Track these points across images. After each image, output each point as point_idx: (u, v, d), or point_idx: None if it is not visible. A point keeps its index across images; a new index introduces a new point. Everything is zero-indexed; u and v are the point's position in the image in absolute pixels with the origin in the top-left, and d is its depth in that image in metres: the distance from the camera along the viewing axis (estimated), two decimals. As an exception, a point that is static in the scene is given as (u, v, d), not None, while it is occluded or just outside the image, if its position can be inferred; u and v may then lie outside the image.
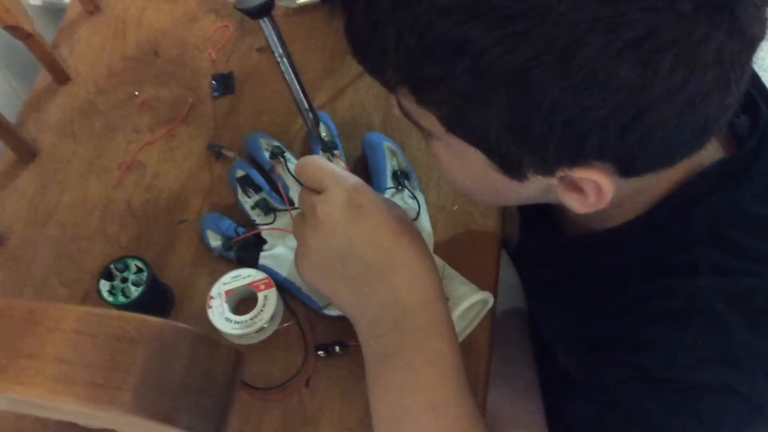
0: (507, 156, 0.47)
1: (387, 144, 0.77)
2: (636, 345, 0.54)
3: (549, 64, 0.40)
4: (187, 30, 0.92)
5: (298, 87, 0.75)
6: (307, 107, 0.76)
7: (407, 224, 0.59)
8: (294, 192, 0.76)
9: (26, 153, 0.84)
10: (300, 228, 0.60)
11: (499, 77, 0.41)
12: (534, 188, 0.51)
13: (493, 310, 0.70)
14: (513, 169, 0.48)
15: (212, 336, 0.53)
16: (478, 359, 0.69)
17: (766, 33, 0.44)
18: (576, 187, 0.49)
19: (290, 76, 0.74)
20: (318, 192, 0.59)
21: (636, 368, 0.52)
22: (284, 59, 0.72)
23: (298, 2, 0.88)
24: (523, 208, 0.77)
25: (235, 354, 0.43)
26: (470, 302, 0.68)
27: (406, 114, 0.52)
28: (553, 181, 0.49)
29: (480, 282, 0.71)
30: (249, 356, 0.69)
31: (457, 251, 0.73)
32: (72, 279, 0.77)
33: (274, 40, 0.71)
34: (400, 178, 0.75)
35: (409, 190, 0.75)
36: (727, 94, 0.43)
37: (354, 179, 0.59)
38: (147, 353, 0.39)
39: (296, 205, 0.75)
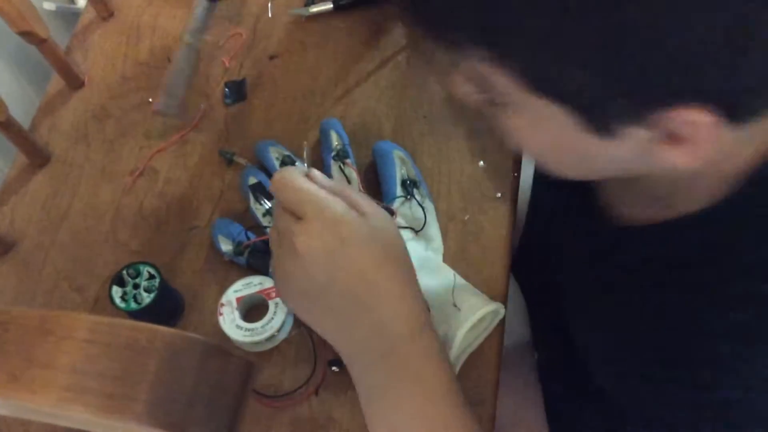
0: (596, 106, 0.43)
1: (397, 152, 0.77)
2: (707, 365, 0.50)
3: None
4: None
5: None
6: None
7: (392, 252, 0.56)
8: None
9: (39, 157, 0.85)
10: (277, 249, 0.56)
11: (591, 13, 0.37)
12: (626, 149, 0.46)
13: (503, 321, 0.70)
14: (603, 122, 0.44)
15: (223, 344, 0.53)
16: (488, 369, 0.69)
17: None
18: (675, 138, 0.43)
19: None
20: (297, 216, 0.54)
21: (705, 396, 0.50)
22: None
23: (310, 10, 0.89)
24: (564, 197, 0.72)
25: (246, 365, 0.43)
26: (482, 313, 0.68)
27: (468, 94, 0.48)
28: (647, 134, 0.44)
29: (490, 292, 0.71)
30: (259, 363, 0.70)
31: (468, 261, 0.73)
32: (83, 284, 0.78)
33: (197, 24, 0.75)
34: (410, 186, 0.75)
35: (417, 199, 0.75)
36: None
37: (334, 208, 0.54)
38: (159, 363, 0.39)
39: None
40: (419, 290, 0.57)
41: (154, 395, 0.39)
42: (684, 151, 0.43)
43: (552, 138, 0.48)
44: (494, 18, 0.40)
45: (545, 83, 0.43)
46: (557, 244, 0.76)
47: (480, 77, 0.46)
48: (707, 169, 0.49)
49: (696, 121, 0.41)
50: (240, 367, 0.42)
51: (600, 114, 0.43)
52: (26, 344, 0.40)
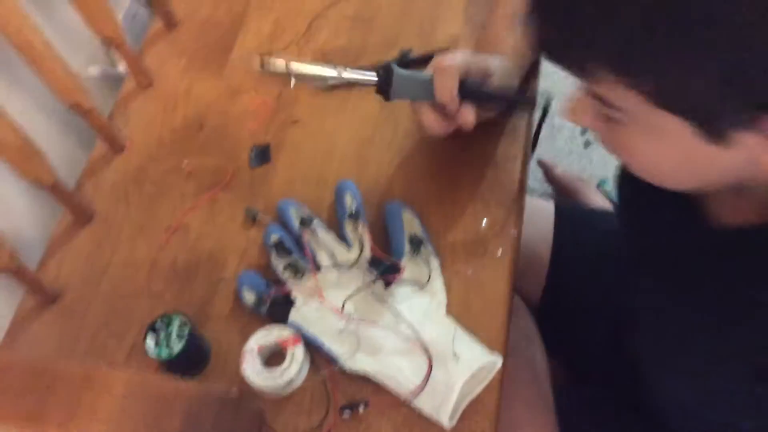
0: (714, 114, 0.48)
1: (405, 212, 0.84)
2: None
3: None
4: (230, 104, 1.01)
5: None
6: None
7: None
8: (320, 256, 0.84)
9: (83, 216, 0.94)
10: None
11: (717, 35, 0.43)
12: (735, 157, 0.51)
13: (501, 371, 0.76)
14: (717, 129, 0.49)
15: (240, 394, 0.61)
16: (486, 416, 0.74)
17: None
18: None
19: None
20: None
21: None
22: None
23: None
24: (658, 200, 0.73)
25: (257, 414, 0.50)
26: (480, 363, 0.74)
27: (587, 119, 0.55)
28: (759, 139, 0.49)
29: (490, 343, 0.76)
30: (278, 406, 0.77)
31: (469, 314, 0.79)
32: (120, 331, 0.85)
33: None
34: (416, 244, 0.82)
35: (423, 256, 0.81)
36: None
37: None
38: (182, 414, 0.46)
39: (324, 267, 0.82)
40: None
41: (178, 441, 0.47)
42: None
43: (670, 149, 0.53)
44: (636, 50, 0.46)
45: (669, 99, 0.49)
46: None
47: (606, 100, 0.52)
48: None
49: None
50: (251, 415, 0.49)
51: (716, 121, 0.49)
52: (72, 397, 0.47)
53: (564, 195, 1.68)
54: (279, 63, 0.77)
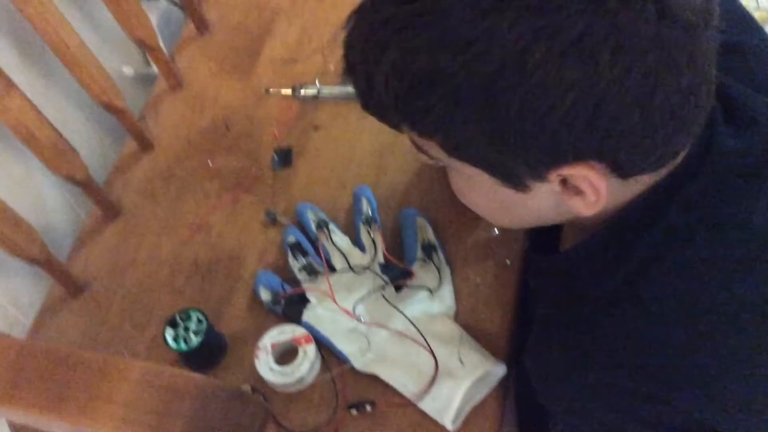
0: (502, 167, 0.52)
1: (420, 219, 0.87)
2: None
3: (506, 77, 0.46)
4: (256, 108, 1.04)
5: None
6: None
7: None
8: (335, 259, 0.86)
9: (111, 211, 0.98)
10: None
11: (470, 97, 0.47)
12: (542, 199, 0.56)
13: (506, 377, 0.78)
14: (513, 179, 0.53)
15: (253, 389, 0.63)
16: (489, 423, 0.76)
17: (704, 19, 0.47)
18: (577, 190, 0.53)
19: None
20: None
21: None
22: None
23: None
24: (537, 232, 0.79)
25: (263, 409, 0.53)
26: (485, 370, 0.76)
27: (420, 149, 0.58)
28: (555, 187, 0.53)
29: (495, 351, 0.79)
30: (289, 402, 0.80)
31: (476, 321, 0.82)
32: (141, 323, 0.89)
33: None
34: (429, 251, 0.85)
35: (435, 263, 0.84)
36: (679, 74, 0.47)
37: None
38: (192, 404, 0.49)
39: (337, 270, 0.85)
40: None
41: (187, 429, 0.50)
42: (585, 199, 0.53)
43: (480, 191, 0.58)
44: (409, 108, 0.51)
45: (458, 151, 0.53)
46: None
47: (418, 144, 0.56)
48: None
49: (585, 175, 0.50)
50: (257, 410, 0.52)
51: (507, 173, 0.53)
52: (91, 382, 0.51)
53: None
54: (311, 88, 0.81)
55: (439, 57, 0.47)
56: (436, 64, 0.47)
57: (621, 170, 0.51)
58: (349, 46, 0.54)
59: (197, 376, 0.50)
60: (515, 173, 0.52)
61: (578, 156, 0.49)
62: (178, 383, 0.50)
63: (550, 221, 0.63)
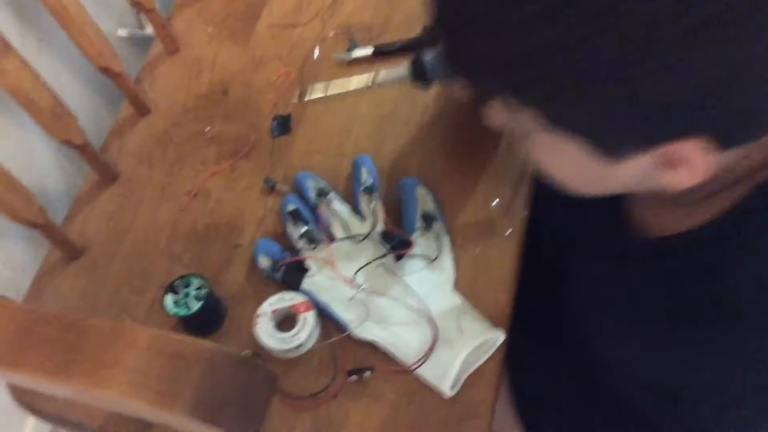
0: (608, 138, 0.50)
1: (419, 188, 0.87)
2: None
3: (639, 50, 0.43)
4: (254, 73, 1.03)
5: None
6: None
7: None
8: (335, 228, 0.87)
9: (108, 175, 0.97)
10: None
11: (598, 70, 0.44)
12: (633, 169, 0.53)
13: (504, 343, 0.79)
14: (612, 150, 0.51)
15: (257, 352, 0.64)
16: (486, 387, 0.78)
17: None
18: (673, 164, 0.50)
19: None
20: None
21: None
22: None
23: (352, 55, 0.99)
24: (585, 218, 0.77)
25: (270, 375, 0.53)
26: (483, 338, 0.77)
27: (499, 123, 0.57)
28: (654, 159, 0.51)
29: (494, 319, 0.80)
30: (288, 368, 0.81)
31: (476, 290, 0.82)
32: (140, 289, 0.89)
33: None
34: (428, 220, 0.85)
35: (434, 232, 0.84)
36: None
37: None
38: (200, 371, 0.50)
39: (337, 238, 0.85)
40: None
41: (196, 395, 0.50)
42: (681, 174, 0.51)
43: (568, 162, 0.56)
44: (523, 77, 0.48)
45: (565, 121, 0.51)
46: (571, 267, 0.82)
47: (506, 114, 0.54)
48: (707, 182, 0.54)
49: (691, 150, 0.48)
50: (264, 377, 0.53)
51: (611, 143, 0.51)
52: (100, 348, 0.51)
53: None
54: (318, 87, 0.82)
55: (562, 27, 0.44)
56: (560, 36, 0.44)
57: (726, 143, 0.49)
58: None
59: (206, 343, 0.50)
60: (619, 144, 0.51)
61: (691, 131, 0.47)
62: (187, 350, 0.50)
63: (628, 191, 0.61)
